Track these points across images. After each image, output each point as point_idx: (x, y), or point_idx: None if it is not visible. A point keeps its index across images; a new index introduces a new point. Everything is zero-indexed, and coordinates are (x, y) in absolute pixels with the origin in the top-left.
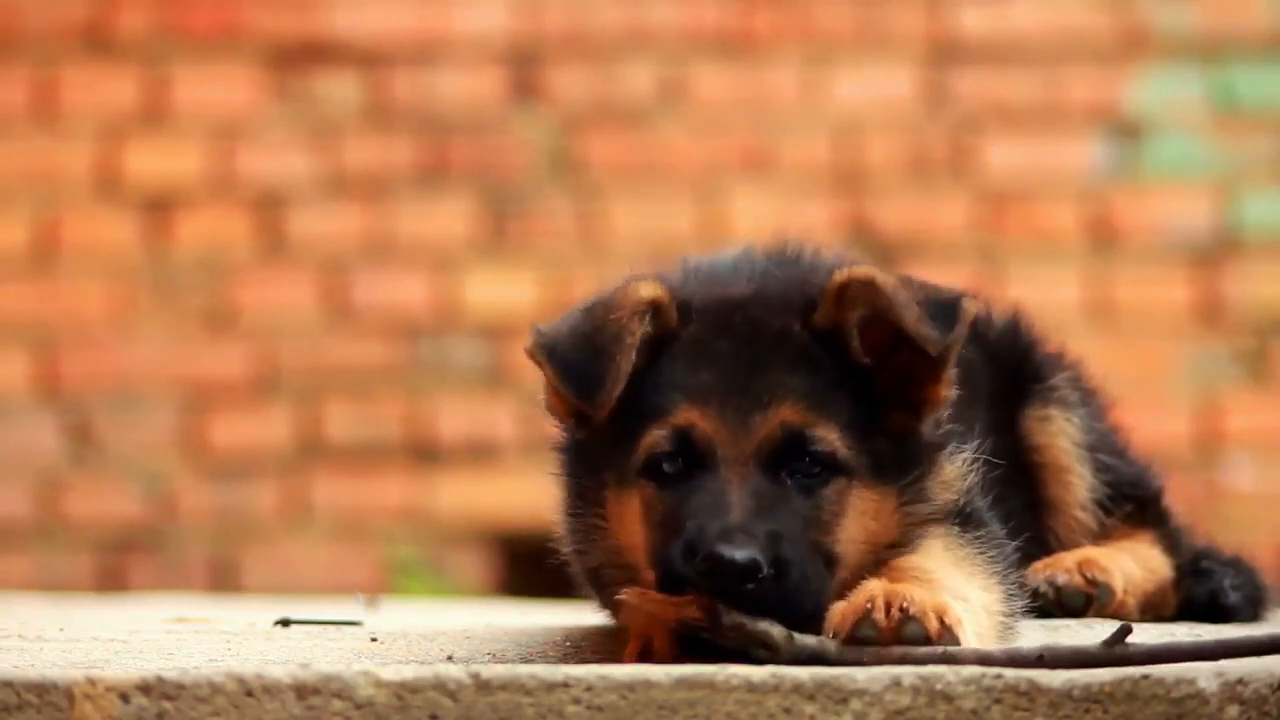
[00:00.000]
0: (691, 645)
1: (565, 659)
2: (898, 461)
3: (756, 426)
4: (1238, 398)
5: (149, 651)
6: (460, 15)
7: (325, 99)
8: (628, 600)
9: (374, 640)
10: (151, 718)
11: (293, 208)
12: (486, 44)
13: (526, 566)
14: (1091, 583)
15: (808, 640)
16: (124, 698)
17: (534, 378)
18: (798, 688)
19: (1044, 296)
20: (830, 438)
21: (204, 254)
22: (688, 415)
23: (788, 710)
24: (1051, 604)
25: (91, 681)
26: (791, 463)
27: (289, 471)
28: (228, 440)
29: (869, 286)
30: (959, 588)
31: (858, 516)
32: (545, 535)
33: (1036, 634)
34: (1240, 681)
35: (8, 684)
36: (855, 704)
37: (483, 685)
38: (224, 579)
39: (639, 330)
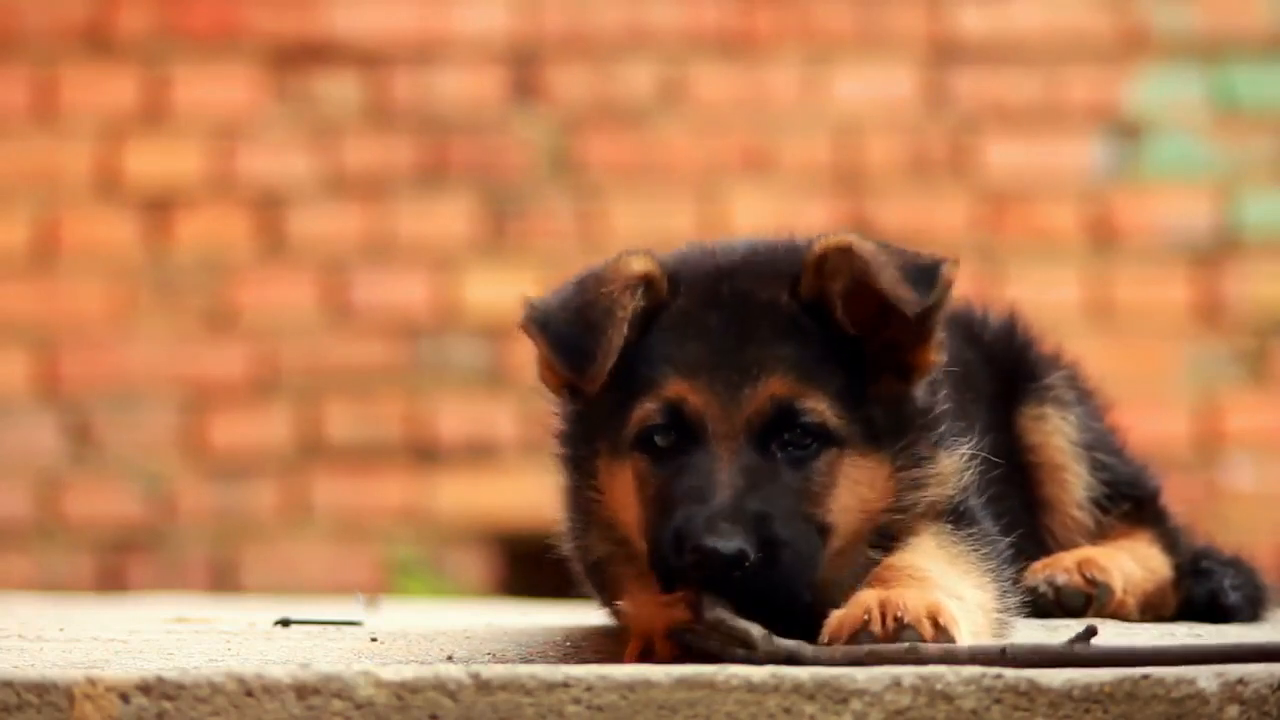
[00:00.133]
0: (691, 647)
1: (565, 659)
2: (891, 428)
3: (746, 400)
4: (1238, 398)
5: (149, 651)
6: (460, 15)
7: (325, 99)
8: (621, 609)
9: (374, 640)
10: (151, 718)
11: (293, 208)
12: (486, 44)
13: (526, 566)
14: (1091, 582)
15: (784, 642)
16: (124, 698)
17: (534, 378)
18: (798, 688)
19: (1044, 296)
20: (820, 408)
21: (204, 254)
22: (678, 388)
23: (788, 710)
24: (1051, 604)
25: (91, 681)
26: (782, 435)
27: (289, 471)
28: (228, 440)
29: (847, 254)
30: (953, 586)
31: (851, 485)
32: (545, 535)
33: (1035, 633)
34: (1240, 681)
35: (8, 684)
36: (855, 704)
37: (483, 685)
38: (224, 579)
39: (630, 304)
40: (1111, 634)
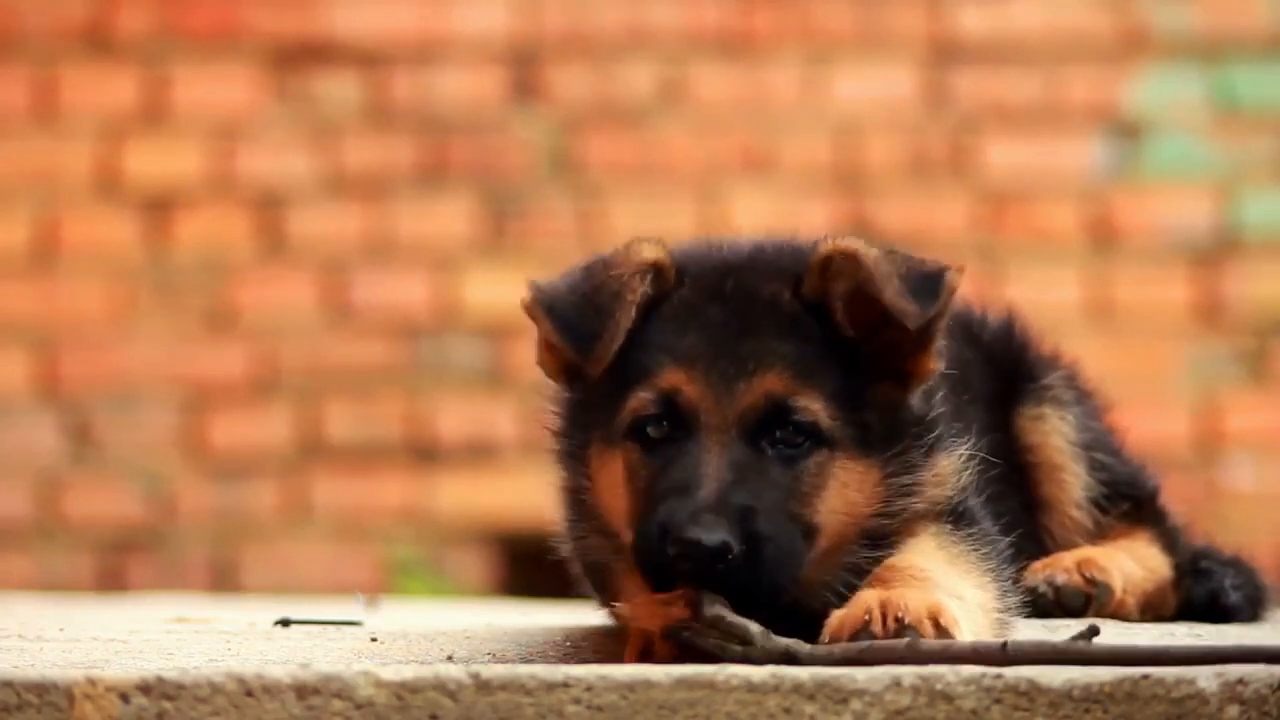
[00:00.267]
0: (689, 645)
1: (565, 659)
2: (884, 434)
3: (740, 394)
4: (1238, 398)
5: (149, 651)
6: (460, 15)
7: (325, 99)
8: (619, 612)
9: (374, 640)
10: (151, 718)
11: (293, 208)
12: (486, 44)
13: (526, 566)
14: (1090, 582)
15: (782, 640)
16: (124, 698)
17: (534, 378)
18: (798, 688)
19: (1044, 296)
20: (814, 408)
21: (204, 254)
22: (673, 378)
23: (788, 710)
24: (1051, 604)
25: (91, 681)
26: (774, 432)
27: (289, 471)
28: (228, 440)
29: (851, 259)
30: (954, 586)
31: (839, 488)
32: (545, 535)
33: (1035, 633)
34: (1240, 681)
35: (8, 684)
36: (855, 704)
37: (483, 685)
38: (224, 579)
39: (639, 289)
40: (1111, 634)
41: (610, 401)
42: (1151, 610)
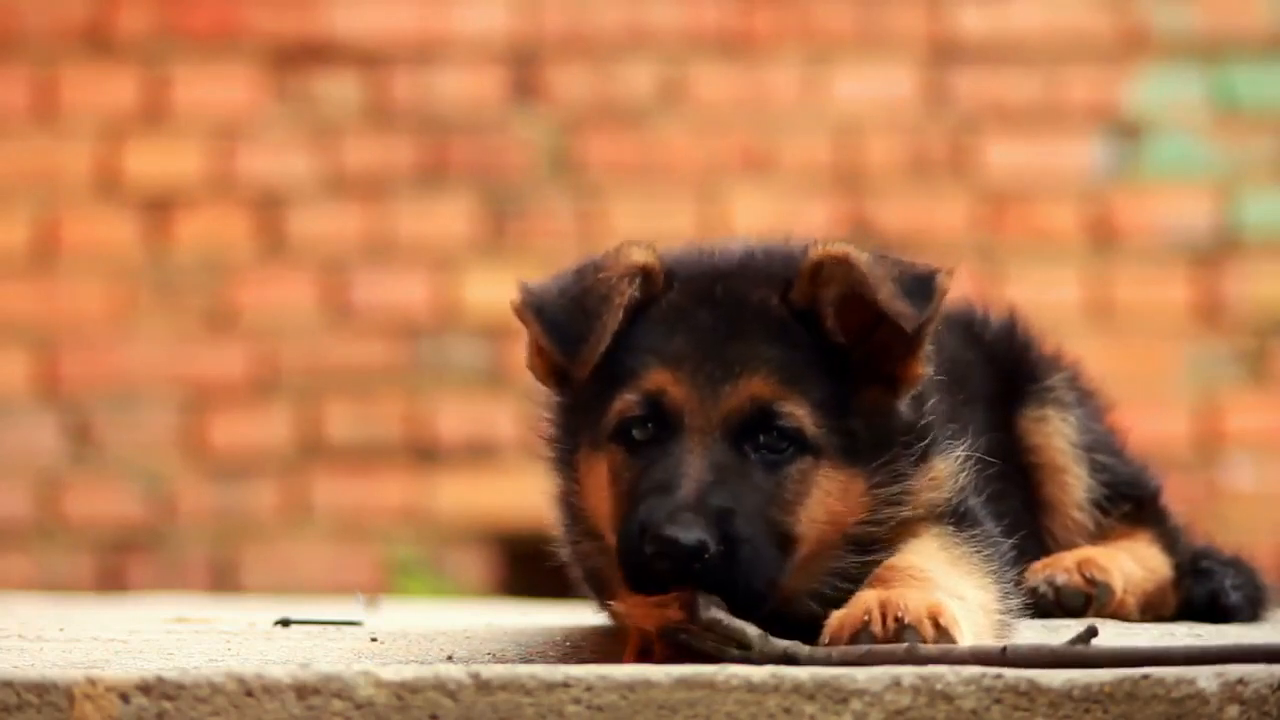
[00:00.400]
0: (686, 647)
1: (565, 659)
2: (871, 443)
3: (725, 396)
4: (1238, 398)
5: (149, 651)
6: (460, 15)
7: (325, 99)
8: (615, 610)
9: (374, 640)
10: (151, 718)
11: (293, 208)
12: (486, 44)
13: (526, 566)
14: (1091, 582)
15: (780, 642)
16: (124, 698)
17: (531, 381)
18: (798, 688)
19: (1044, 296)
20: (799, 414)
21: (204, 254)
22: (659, 380)
23: (788, 710)
24: (1051, 604)
25: (91, 681)
26: (758, 436)
27: (289, 471)
28: (228, 440)
29: (843, 264)
30: (955, 586)
31: (822, 497)
32: (545, 535)
33: (1035, 633)
34: (1240, 681)
35: (8, 684)
36: (855, 704)
37: (483, 685)
38: (224, 579)
39: (628, 291)
40: (1111, 634)
41: (598, 405)
42: (1152, 610)
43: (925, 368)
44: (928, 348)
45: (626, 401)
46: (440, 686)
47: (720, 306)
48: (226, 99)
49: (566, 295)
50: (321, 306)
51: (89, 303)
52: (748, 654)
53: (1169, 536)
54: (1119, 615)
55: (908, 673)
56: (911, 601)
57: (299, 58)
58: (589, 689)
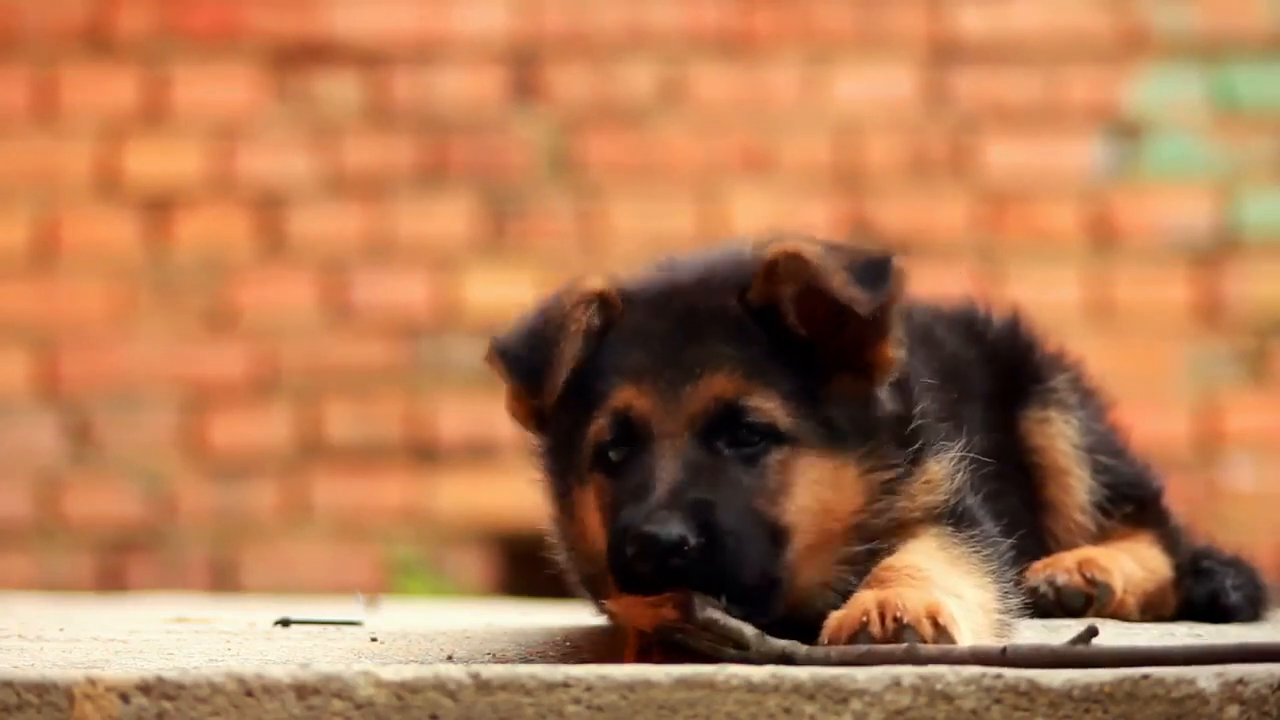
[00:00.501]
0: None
1: (565, 659)
2: (855, 429)
3: (688, 398)
4: (1238, 398)
5: (149, 651)
6: (460, 15)
7: (325, 99)
8: (611, 609)
9: (374, 640)
10: (151, 718)
11: (293, 208)
12: (486, 44)
13: (526, 566)
14: (1091, 582)
15: (778, 642)
16: (124, 698)
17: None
18: (798, 688)
19: (1044, 296)
20: (767, 407)
21: (204, 254)
22: (624, 396)
23: (788, 710)
24: (1051, 604)
25: (91, 681)
26: (729, 433)
27: (289, 471)
28: (228, 440)
29: (796, 259)
30: (953, 585)
31: (809, 485)
32: (545, 536)
33: (1035, 633)
34: (1240, 681)
35: (8, 684)
36: (855, 704)
37: (483, 685)
38: (224, 579)
39: (583, 318)
40: (1112, 634)
41: (577, 438)
42: (1152, 610)
43: (898, 351)
44: (898, 332)
45: (599, 426)
46: (440, 686)
47: (678, 317)
48: (226, 99)
49: (528, 333)
50: (321, 306)
51: (89, 303)
52: (745, 653)
53: (1170, 537)
54: (1119, 615)
55: (908, 673)
56: (910, 601)
57: (299, 58)
58: (589, 689)
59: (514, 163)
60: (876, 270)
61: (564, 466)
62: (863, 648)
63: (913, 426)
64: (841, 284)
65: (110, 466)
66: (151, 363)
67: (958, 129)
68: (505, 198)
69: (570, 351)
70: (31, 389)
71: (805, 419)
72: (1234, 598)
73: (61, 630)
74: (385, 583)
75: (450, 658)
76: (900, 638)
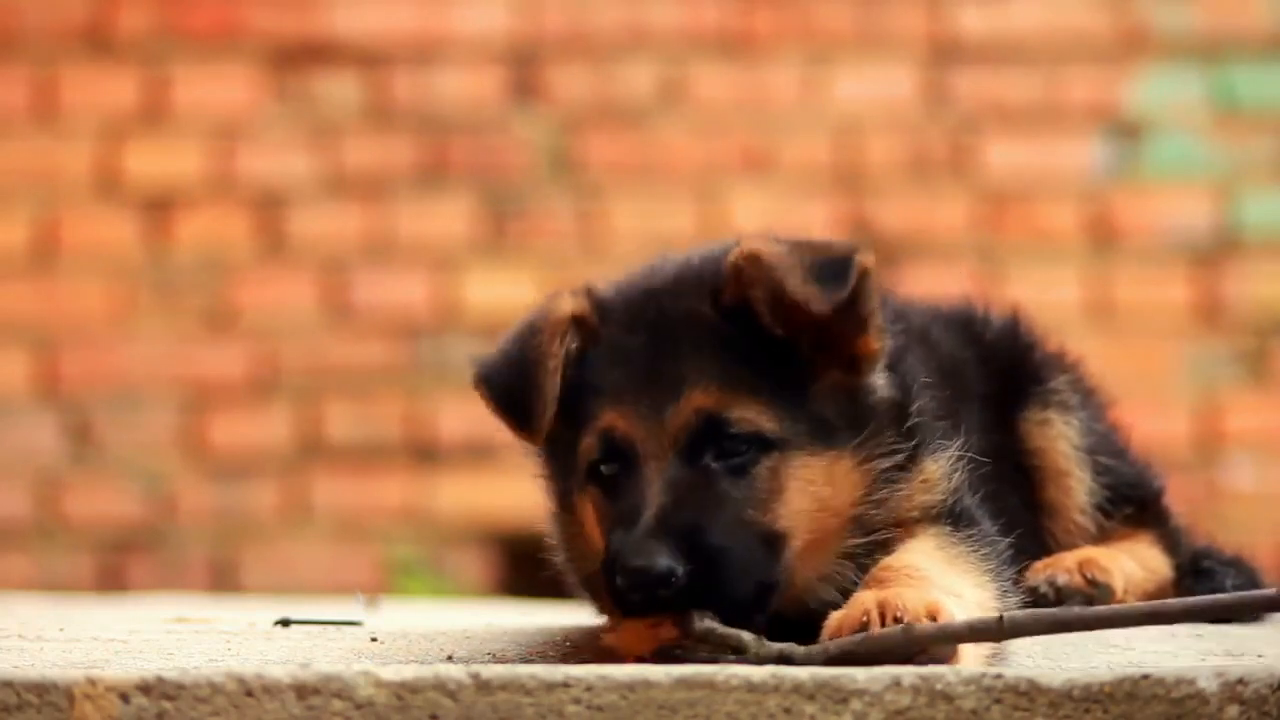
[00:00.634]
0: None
1: (565, 659)
2: (846, 422)
3: (671, 417)
4: (1238, 398)
5: (149, 651)
6: (460, 15)
7: (325, 99)
8: (608, 643)
9: (374, 640)
10: (151, 718)
11: (293, 208)
12: (486, 44)
13: (526, 566)
14: (1092, 583)
15: (774, 646)
16: (124, 698)
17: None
18: (798, 688)
19: (1044, 296)
20: (749, 415)
21: (204, 254)
22: (608, 418)
23: (788, 710)
24: (1052, 604)
25: (91, 681)
26: (715, 446)
27: (289, 471)
28: (228, 440)
29: (755, 260)
30: (952, 584)
31: (803, 486)
32: (545, 536)
33: None
34: (1240, 681)
35: (8, 684)
36: (855, 704)
37: (483, 685)
38: (224, 579)
39: (560, 352)
40: (1112, 634)
41: (570, 450)
42: None
43: (881, 342)
44: (878, 322)
45: (588, 444)
46: (440, 686)
47: (654, 329)
48: (226, 99)
49: (509, 362)
50: (321, 306)
51: (89, 303)
52: (744, 659)
53: (1170, 537)
54: None
55: (908, 673)
56: (909, 601)
57: (299, 58)
58: (589, 689)
59: (514, 163)
60: (836, 268)
61: (564, 470)
62: (859, 635)
63: (911, 423)
64: (797, 285)
65: (110, 466)
66: (151, 363)
67: (958, 129)
68: (505, 198)
69: (552, 392)
70: (31, 389)
71: (792, 420)
72: None
73: (61, 630)
74: (385, 583)
75: (450, 658)
76: None
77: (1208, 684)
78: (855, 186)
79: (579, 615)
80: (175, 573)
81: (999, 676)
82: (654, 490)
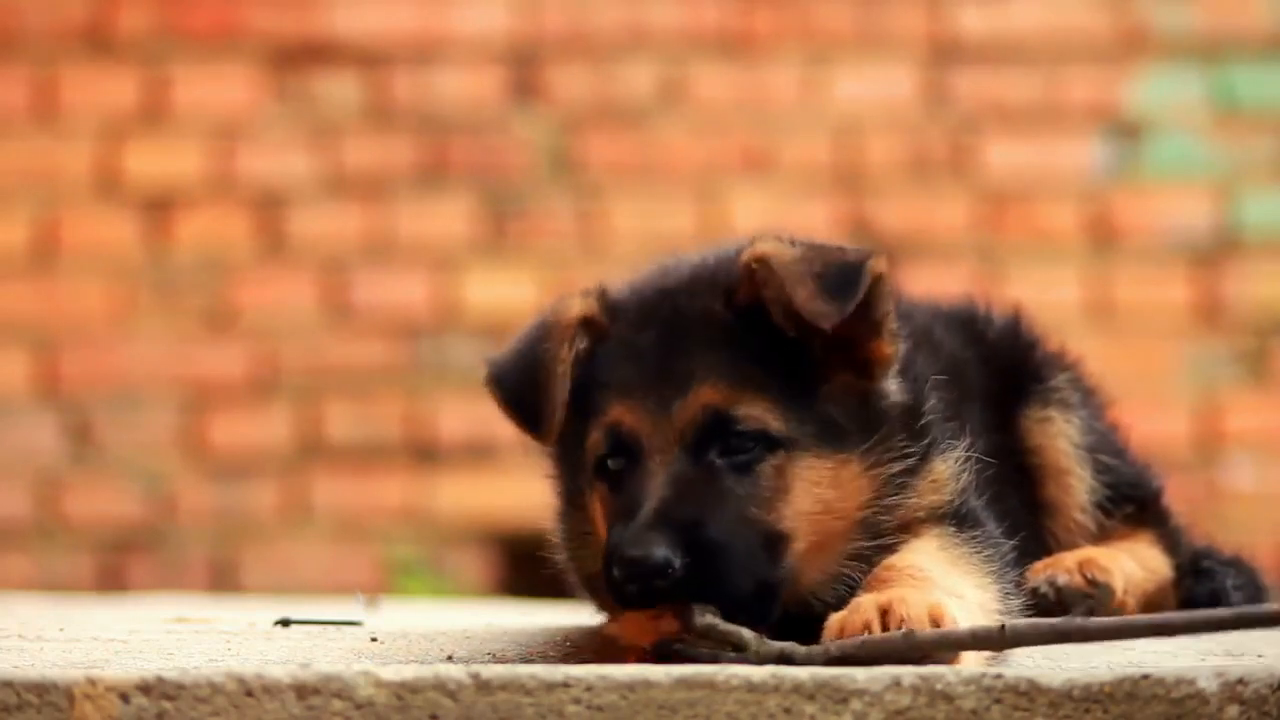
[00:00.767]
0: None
1: (565, 659)
2: (856, 425)
3: (678, 412)
4: (1238, 398)
5: (149, 651)
6: (460, 15)
7: (325, 99)
8: (609, 632)
9: (374, 640)
10: (151, 718)
11: (293, 208)
12: (486, 44)
13: (526, 566)
14: (1092, 583)
15: (775, 645)
16: (124, 698)
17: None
18: (798, 688)
19: (1044, 296)
20: (756, 413)
21: (204, 254)
22: (616, 413)
23: (788, 710)
24: (1052, 604)
25: (91, 681)
26: (720, 443)
27: (289, 471)
28: (228, 440)
29: (765, 265)
30: (954, 585)
31: (808, 487)
32: (545, 536)
33: None
34: (1240, 681)
35: (8, 684)
36: (855, 704)
37: (483, 685)
38: (224, 579)
39: (569, 356)
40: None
41: (579, 445)
42: (1152, 610)
43: (894, 347)
44: (891, 326)
45: (595, 439)
46: (440, 686)
47: (665, 325)
48: (226, 99)
49: (520, 363)
50: (321, 306)
51: (89, 303)
52: (744, 657)
53: (1170, 537)
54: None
55: (908, 673)
56: (912, 606)
57: (299, 58)
58: (589, 689)
59: (514, 163)
60: (846, 278)
61: (573, 467)
62: (860, 638)
63: (923, 421)
64: (806, 297)
65: (110, 466)
66: (151, 363)
67: (958, 129)
68: (505, 198)
69: (561, 395)
70: (31, 389)
71: (800, 421)
72: (1235, 598)
73: (61, 630)
74: (385, 583)
75: (450, 658)
76: None
77: (1208, 684)
78: (855, 186)
79: (579, 615)
80: (175, 573)
81: (999, 676)
82: (656, 484)
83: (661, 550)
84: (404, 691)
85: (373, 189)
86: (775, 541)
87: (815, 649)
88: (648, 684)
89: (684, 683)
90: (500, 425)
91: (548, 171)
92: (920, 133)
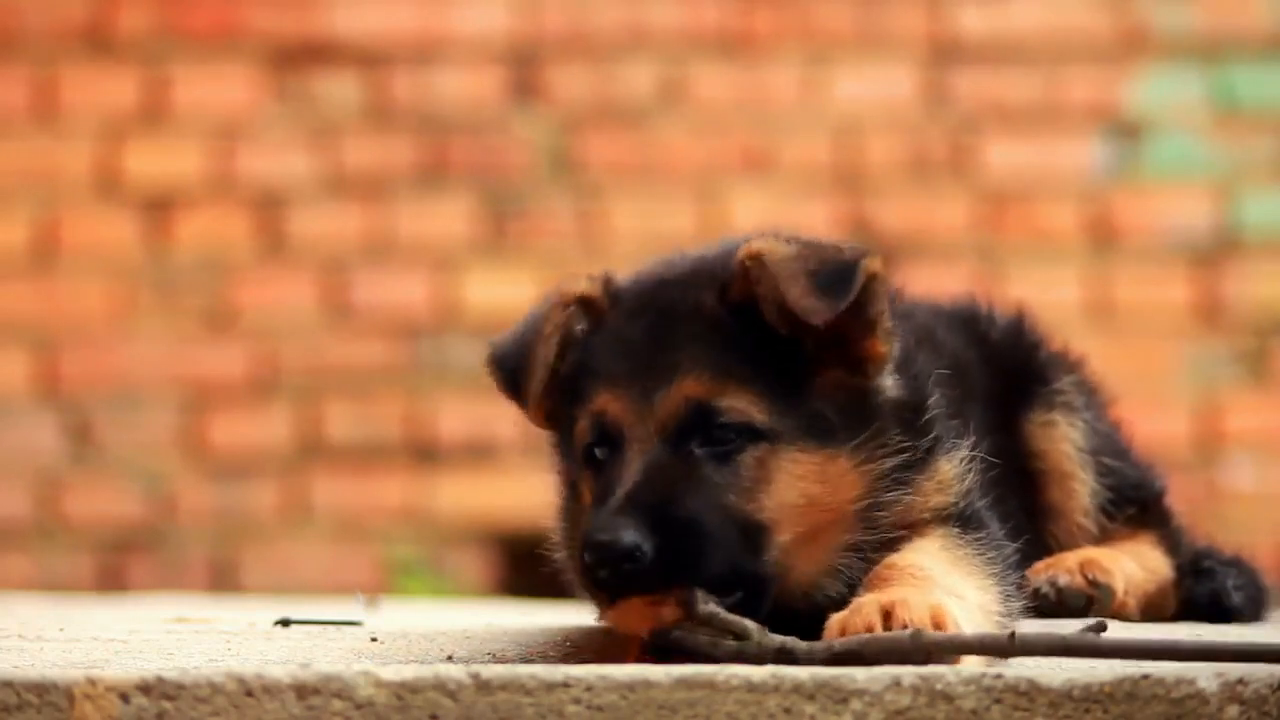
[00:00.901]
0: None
1: (565, 659)
2: (846, 422)
3: (660, 402)
4: (1238, 398)
5: (149, 651)
6: (460, 15)
7: (325, 99)
8: (608, 619)
9: (374, 640)
10: (151, 718)
11: (293, 208)
12: (486, 44)
13: (526, 566)
14: (1093, 583)
15: (775, 638)
16: (124, 698)
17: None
18: (798, 688)
19: (1044, 296)
20: (740, 406)
21: (204, 254)
22: (602, 401)
23: (788, 710)
24: (1053, 605)
25: (91, 681)
26: (702, 434)
27: (289, 471)
28: (228, 440)
29: (758, 263)
30: (955, 586)
31: (791, 480)
32: (545, 535)
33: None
34: (1240, 681)
35: (8, 684)
36: (855, 704)
37: (483, 685)
38: (224, 579)
39: (559, 321)
40: (1114, 634)
41: (572, 433)
42: (1153, 611)
43: (888, 345)
44: (886, 325)
45: (582, 427)
46: (440, 686)
47: (656, 317)
48: (226, 99)
49: (516, 341)
50: (321, 306)
51: (89, 303)
52: (743, 647)
53: (1171, 538)
54: (1120, 616)
55: (908, 673)
56: (914, 608)
57: (299, 58)
58: (589, 689)
59: (514, 163)
60: (840, 276)
61: (569, 457)
62: (862, 637)
63: (926, 418)
64: (798, 295)
65: (110, 466)
66: (151, 363)
67: (958, 129)
68: (505, 198)
69: (546, 358)
70: (31, 389)
71: (786, 414)
72: (1236, 598)
73: (61, 630)
74: (385, 583)
75: (450, 658)
76: None
77: (1208, 684)
78: (855, 186)
79: (579, 615)
80: (175, 573)
81: (999, 676)
82: (631, 472)
83: (630, 534)
84: (404, 691)
85: (373, 189)
86: (755, 531)
87: (817, 645)
88: (648, 684)
89: (684, 683)
90: (500, 425)
91: (548, 171)
92: (920, 133)
